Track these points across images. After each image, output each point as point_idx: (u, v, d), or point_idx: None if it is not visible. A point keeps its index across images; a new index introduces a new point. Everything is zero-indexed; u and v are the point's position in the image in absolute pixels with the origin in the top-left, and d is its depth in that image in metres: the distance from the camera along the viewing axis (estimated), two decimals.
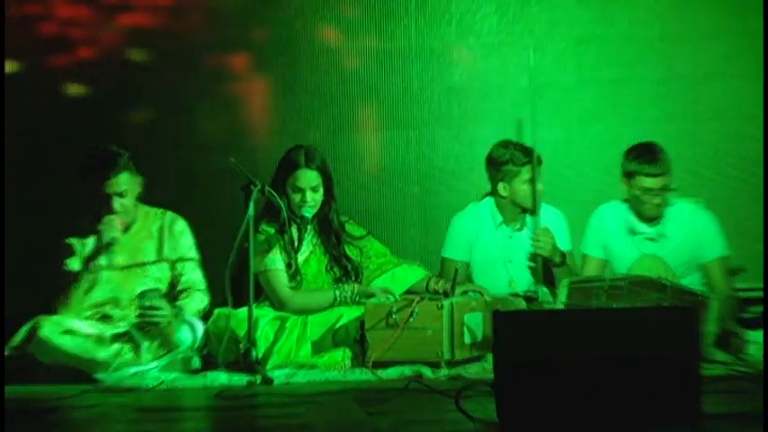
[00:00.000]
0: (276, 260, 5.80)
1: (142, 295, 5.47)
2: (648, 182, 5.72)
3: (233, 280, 5.46)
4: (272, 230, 5.81)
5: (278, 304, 5.78)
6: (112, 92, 6.67)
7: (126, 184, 5.60)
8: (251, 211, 5.36)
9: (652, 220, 5.86)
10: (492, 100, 6.69)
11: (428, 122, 6.70)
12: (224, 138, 6.64)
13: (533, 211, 5.99)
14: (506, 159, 5.96)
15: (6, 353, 5.48)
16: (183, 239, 5.78)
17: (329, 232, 5.90)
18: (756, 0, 6.56)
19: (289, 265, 5.81)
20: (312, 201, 5.80)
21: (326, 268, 5.90)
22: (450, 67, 6.69)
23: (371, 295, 5.63)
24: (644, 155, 5.74)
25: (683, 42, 6.67)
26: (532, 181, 5.92)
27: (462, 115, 6.70)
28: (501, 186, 6.01)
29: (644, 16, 6.67)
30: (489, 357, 5.39)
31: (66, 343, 5.44)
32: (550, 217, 6.06)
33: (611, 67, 6.66)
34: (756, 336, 5.96)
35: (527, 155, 5.95)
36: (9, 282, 6.52)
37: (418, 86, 6.70)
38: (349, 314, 5.57)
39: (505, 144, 6.02)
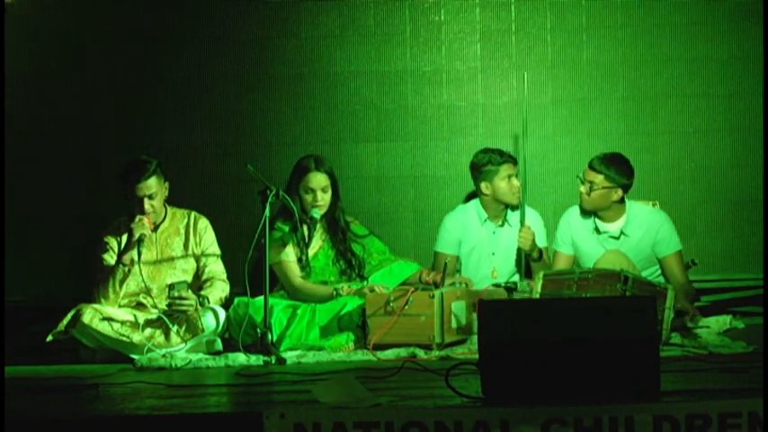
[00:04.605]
0: (289, 253, 5.83)
1: (171, 287, 5.46)
2: (587, 173, 5.78)
3: (251, 272, 5.47)
4: (286, 228, 5.83)
5: (290, 290, 5.80)
6: (149, 108, 6.66)
7: (154, 187, 5.61)
8: (267, 212, 5.36)
9: (613, 221, 5.87)
10: (476, 116, 6.69)
11: (421, 135, 6.69)
12: (243, 148, 6.63)
13: (514, 206, 6.05)
14: (486, 161, 6.04)
15: (51, 337, 5.48)
16: (206, 236, 5.78)
17: (336, 229, 5.93)
18: (702, 30, 6.58)
19: (299, 260, 5.83)
20: (322, 201, 5.83)
21: (333, 261, 5.91)
22: (440, 87, 6.67)
23: (365, 293, 5.62)
24: (599, 155, 5.84)
25: (642, 66, 6.66)
26: (510, 177, 5.99)
27: (451, 129, 6.69)
28: (483, 185, 6.06)
29: (608, 44, 6.66)
30: (472, 339, 5.39)
31: (105, 328, 5.43)
32: (529, 217, 6.07)
33: (580, 88, 6.66)
34: (708, 321, 5.98)
35: (503, 156, 6.02)
36: (58, 274, 6.53)
37: (412, 104, 6.69)
38: (352, 303, 5.57)
39: (484, 150, 6.12)
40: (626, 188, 5.86)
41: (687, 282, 5.73)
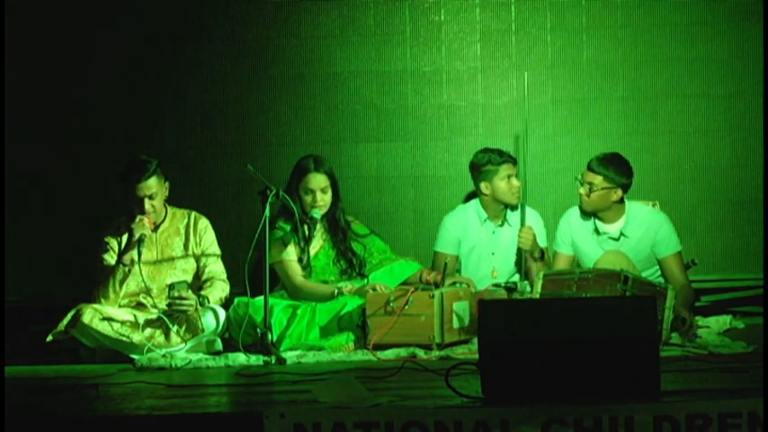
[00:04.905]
0: (291, 252, 5.84)
1: (171, 287, 5.46)
2: (586, 174, 5.76)
3: (251, 272, 5.47)
4: (287, 227, 5.84)
5: (291, 289, 5.81)
6: (149, 108, 6.67)
7: (154, 187, 5.61)
8: (267, 212, 5.36)
9: (613, 222, 5.87)
10: (476, 116, 6.69)
11: (421, 135, 6.69)
12: (243, 148, 6.63)
13: (514, 206, 6.05)
14: (485, 161, 6.04)
15: (51, 337, 5.48)
16: (206, 236, 5.78)
17: (336, 229, 5.93)
18: (702, 30, 6.58)
19: (300, 259, 5.84)
20: (322, 201, 5.83)
21: (334, 261, 5.91)
22: (440, 87, 6.68)
23: (367, 291, 5.62)
24: (598, 155, 5.83)
25: (642, 66, 6.66)
26: (510, 177, 5.99)
27: (450, 129, 6.69)
28: (483, 185, 6.06)
29: (608, 44, 6.67)
30: (475, 340, 5.38)
31: (105, 328, 5.43)
32: (529, 217, 6.07)
33: (580, 88, 6.66)
34: (708, 321, 5.98)
35: (502, 156, 6.02)
36: (57, 274, 6.54)
37: (412, 104, 6.69)
38: (352, 302, 5.58)
39: (484, 150, 6.12)
40: (625, 188, 5.85)
41: (687, 284, 5.72)
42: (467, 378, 4.19)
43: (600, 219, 5.90)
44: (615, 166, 5.79)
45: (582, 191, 5.83)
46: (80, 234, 6.33)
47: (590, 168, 5.82)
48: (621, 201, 5.88)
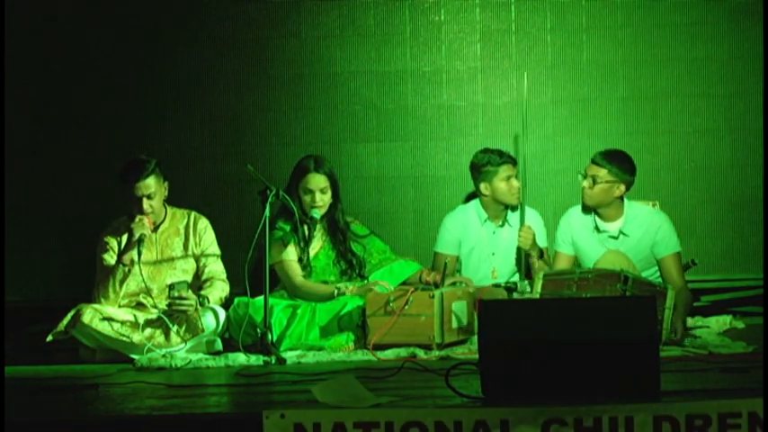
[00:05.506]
0: (291, 252, 5.85)
1: (171, 287, 5.46)
2: (590, 168, 5.77)
3: (251, 272, 5.48)
4: (287, 228, 5.85)
5: (291, 289, 5.82)
6: (149, 108, 6.67)
7: (153, 186, 5.61)
8: (267, 212, 5.36)
9: (613, 220, 5.87)
10: (476, 116, 6.69)
11: (421, 135, 6.70)
12: (243, 148, 6.64)
13: (514, 207, 6.05)
14: (485, 162, 6.05)
15: (51, 337, 5.48)
16: (206, 236, 5.79)
17: (336, 230, 5.94)
18: (702, 30, 6.59)
19: (300, 259, 5.84)
20: (321, 201, 5.84)
21: (334, 262, 5.92)
22: (440, 87, 6.68)
23: (368, 290, 5.62)
24: (602, 150, 5.85)
25: (643, 66, 6.67)
26: (509, 178, 6.00)
27: (451, 129, 6.69)
28: (483, 186, 6.07)
29: (608, 44, 6.67)
30: (472, 339, 5.39)
31: (105, 328, 5.44)
32: (529, 217, 6.08)
33: (580, 88, 6.66)
34: (708, 321, 5.98)
35: (502, 156, 6.03)
36: (57, 274, 6.54)
37: (412, 104, 6.69)
38: (352, 302, 5.58)
39: (484, 150, 6.13)
40: (628, 185, 5.85)
41: (684, 287, 5.71)
42: (467, 378, 4.20)
43: (600, 216, 5.89)
44: (619, 161, 5.80)
45: (585, 184, 5.82)
46: (80, 234, 6.34)
47: (594, 162, 5.82)
48: (622, 199, 5.88)
